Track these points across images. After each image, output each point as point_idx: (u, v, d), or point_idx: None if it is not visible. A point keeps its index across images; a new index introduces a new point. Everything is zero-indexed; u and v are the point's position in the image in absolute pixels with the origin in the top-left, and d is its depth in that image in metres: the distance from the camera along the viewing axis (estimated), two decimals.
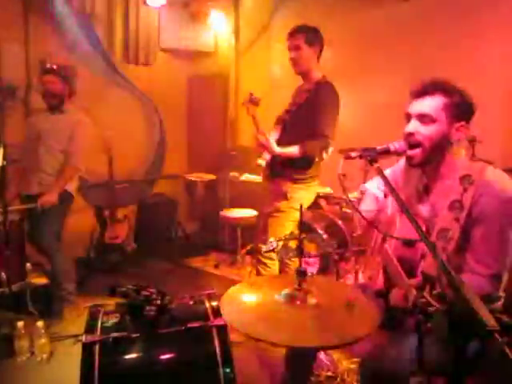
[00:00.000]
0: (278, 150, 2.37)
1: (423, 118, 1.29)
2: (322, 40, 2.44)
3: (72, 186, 2.77)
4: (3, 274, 2.24)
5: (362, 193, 1.70)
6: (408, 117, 1.34)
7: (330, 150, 2.37)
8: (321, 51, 2.44)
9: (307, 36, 2.36)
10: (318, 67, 2.45)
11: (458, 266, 1.20)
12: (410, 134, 1.30)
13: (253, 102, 2.43)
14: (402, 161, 1.50)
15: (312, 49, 2.38)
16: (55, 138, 2.68)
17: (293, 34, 2.40)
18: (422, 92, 1.31)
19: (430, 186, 1.37)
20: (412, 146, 1.29)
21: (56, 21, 3.44)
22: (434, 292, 0.89)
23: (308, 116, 2.35)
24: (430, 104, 1.29)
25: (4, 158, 2.15)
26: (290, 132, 2.45)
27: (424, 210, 1.35)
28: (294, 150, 2.32)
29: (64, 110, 2.72)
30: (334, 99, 2.36)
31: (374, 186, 1.67)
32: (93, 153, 2.86)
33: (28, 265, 2.58)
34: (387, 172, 1.58)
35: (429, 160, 1.32)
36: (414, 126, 1.31)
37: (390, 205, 1.47)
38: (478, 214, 1.20)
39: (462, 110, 1.29)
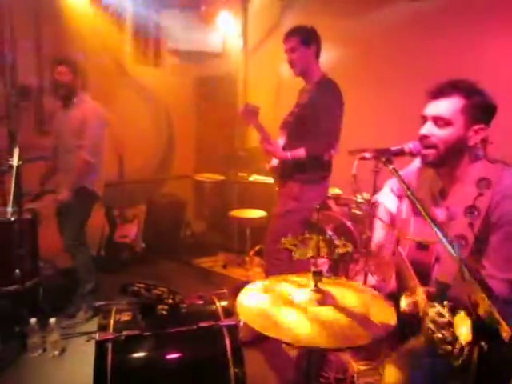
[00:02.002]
0: (284, 154, 2.38)
1: (438, 121, 1.25)
2: (319, 39, 2.42)
3: (93, 183, 2.73)
4: (17, 271, 2.26)
5: (375, 206, 1.67)
6: (424, 119, 1.29)
7: (337, 145, 2.38)
8: (319, 50, 2.42)
9: (302, 37, 2.36)
10: (317, 66, 2.44)
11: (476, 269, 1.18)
12: (425, 137, 1.27)
13: (250, 111, 2.41)
14: (416, 162, 1.48)
15: (309, 49, 2.37)
16: (70, 133, 2.67)
17: (288, 36, 2.40)
18: (438, 93, 1.26)
19: (446, 190, 1.33)
20: (426, 147, 1.27)
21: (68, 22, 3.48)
22: (446, 303, 0.87)
23: (311, 116, 2.34)
24: (447, 106, 1.24)
25: (19, 159, 2.19)
26: (295, 134, 2.45)
27: (439, 213, 1.32)
28: (300, 153, 2.33)
29: (76, 103, 2.70)
30: (335, 96, 2.35)
31: (386, 196, 1.64)
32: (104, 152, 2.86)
33: (41, 262, 2.61)
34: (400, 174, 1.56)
35: (444, 161, 1.28)
36: (428, 128, 1.27)
37: (405, 208, 1.45)
38: (498, 219, 1.16)
39: (481, 111, 1.24)
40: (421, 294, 1.08)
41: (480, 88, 1.25)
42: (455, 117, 1.23)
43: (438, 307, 0.89)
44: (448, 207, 1.30)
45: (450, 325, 0.84)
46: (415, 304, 1.11)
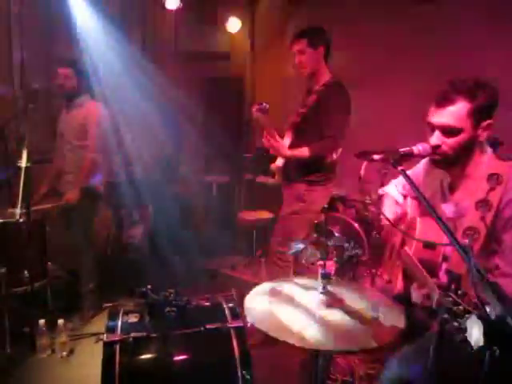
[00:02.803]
0: (288, 152, 2.38)
1: (447, 130, 1.24)
2: (328, 40, 2.42)
3: (98, 182, 2.77)
4: (26, 272, 2.28)
5: (381, 197, 1.68)
6: (431, 125, 1.29)
7: (339, 149, 2.37)
8: (327, 51, 2.42)
9: (310, 39, 2.36)
10: (326, 68, 2.43)
11: (487, 269, 1.16)
12: (437, 147, 1.26)
13: (262, 111, 2.43)
14: (423, 162, 1.48)
15: (317, 51, 2.37)
16: (73, 134, 2.70)
17: (296, 38, 2.40)
18: (442, 100, 1.25)
19: (455, 185, 1.34)
20: (438, 154, 1.27)
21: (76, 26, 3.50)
22: (460, 292, 0.87)
23: (317, 118, 2.35)
24: (453, 114, 1.23)
25: (28, 160, 2.21)
26: (301, 135, 2.46)
27: (448, 209, 1.32)
28: (303, 152, 2.33)
29: (79, 104, 2.71)
30: (342, 99, 2.35)
31: (393, 189, 1.65)
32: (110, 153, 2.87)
33: (49, 264, 2.63)
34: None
35: (455, 162, 1.29)
36: (438, 137, 1.26)
37: (410, 208, 1.45)
38: (511, 217, 1.15)
39: (487, 109, 1.23)
40: (433, 285, 1.08)
41: (482, 83, 1.24)
42: (463, 123, 1.23)
43: (452, 296, 0.89)
44: (457, 203, 1.30)
45: (466, 312, 0.83)
46: (427, 296, 1.11)
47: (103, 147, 2.73)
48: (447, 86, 1.25)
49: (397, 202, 1.61)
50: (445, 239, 1.06)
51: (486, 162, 1.26)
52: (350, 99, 2.36)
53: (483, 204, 1.14)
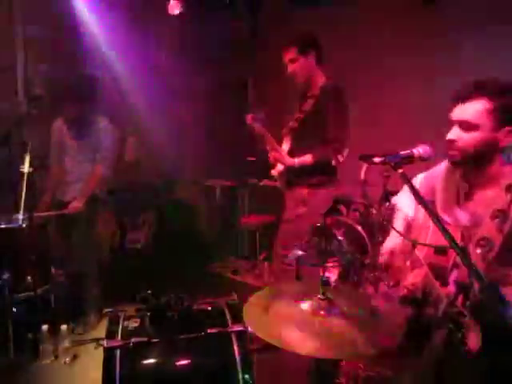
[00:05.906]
0: (291, 161, 2.37)
1: (464, 125, 1.25)
2: (318, 43, 2.40)
3: (100, 189, 2.82)
4: (29, 277, 2.29)
5: (393, 208, 1.67)
6: (451, 123, 1.29)
7: (345, 151, 2.36)
8: (319, 55, 2.39)
9: (299, 46, 2.34)
10: (320, 71, 2.42)
11: (502, 279, 1.11)
12: (451, 141, 1.26)
13: (257, 120, 2.42)
14: (443, 164, 1.46)
15: (308, 57, 2.35)
16: (83, 152, 2.75)
17: (285, 48, 2.37)
18: (463, 96, 1.25)
19: (472, 193, 1.32)
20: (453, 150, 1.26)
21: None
22: (468, 304, 0.85)
23: (317, 122, 2.33)
24: (472, 110, 1.23)
25: (31, 165, 2.22)
26: (300, 140, 2.44)
27: (463, 217, 1.30)
28: (307, 159, 2.32)
29: (86, 123, 2.73)
30: (340, 100, 2.33)
31: (404, 198, 1.62)
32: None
33: (52, 269, 2.64)
34: (422, 176, 1.55)
35: (472, 162, 1.28)
36: (455, 132, 1.27)
37: (423, 212, 1.43)
38: None
39: None
40: (440, 294, 1.06)
41: (509, 86, 1.23)
42: (481, 120, 1.22)
43: (458, 307, 0.87)
44: (473, 212, 1.28)
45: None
46: (435, 306, 1.09)
47: (112, 159, 2.79)
48: (470, 85, 1.26)
49: (407, 219, 1.59)
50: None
51: (506, 171, 1.24)
52: (347, 100, 2.35)
53: (500, 214, 1.11)
